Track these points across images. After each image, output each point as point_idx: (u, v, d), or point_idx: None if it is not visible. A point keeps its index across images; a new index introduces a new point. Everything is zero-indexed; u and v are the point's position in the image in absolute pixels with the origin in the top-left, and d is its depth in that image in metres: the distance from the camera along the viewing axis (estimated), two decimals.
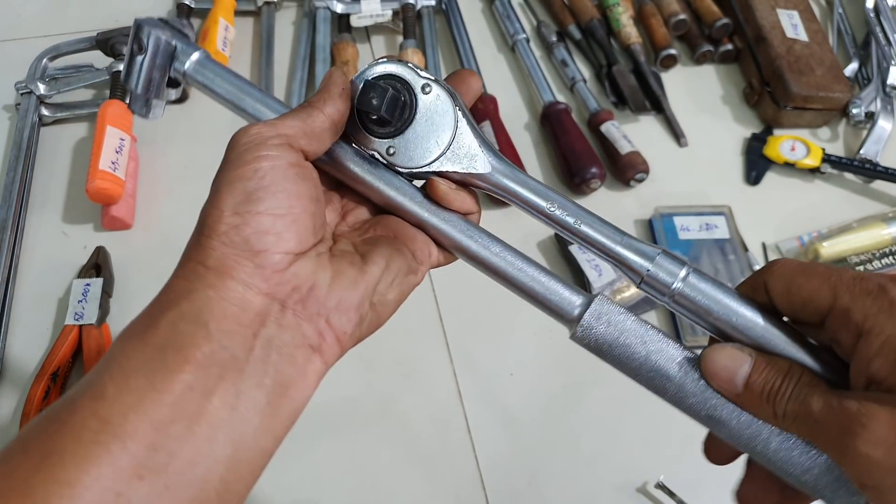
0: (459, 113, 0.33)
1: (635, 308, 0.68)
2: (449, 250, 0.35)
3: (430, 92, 0.33)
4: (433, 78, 0.33)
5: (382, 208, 0.35)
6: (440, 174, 0.34)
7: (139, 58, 0.34)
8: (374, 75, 0.33)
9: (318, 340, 0.30)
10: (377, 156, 0.34)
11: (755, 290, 0.32)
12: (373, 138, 0.33)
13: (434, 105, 0.33)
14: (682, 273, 0.32)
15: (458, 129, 0.33)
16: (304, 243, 0.30)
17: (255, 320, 0.28)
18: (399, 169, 0.34)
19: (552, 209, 0.34)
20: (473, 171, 0.34)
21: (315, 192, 0.31)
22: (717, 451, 0.33)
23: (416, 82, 0.33)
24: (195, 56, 0.34)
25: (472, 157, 0.34)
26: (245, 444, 0.27)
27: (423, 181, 0.35)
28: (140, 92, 0.35)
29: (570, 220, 0.34)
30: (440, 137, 0.33)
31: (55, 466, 0.24)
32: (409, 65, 0.33)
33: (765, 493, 0.32)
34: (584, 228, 0.34)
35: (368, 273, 0.31)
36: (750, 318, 0.31)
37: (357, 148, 0.34)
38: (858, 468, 0.26)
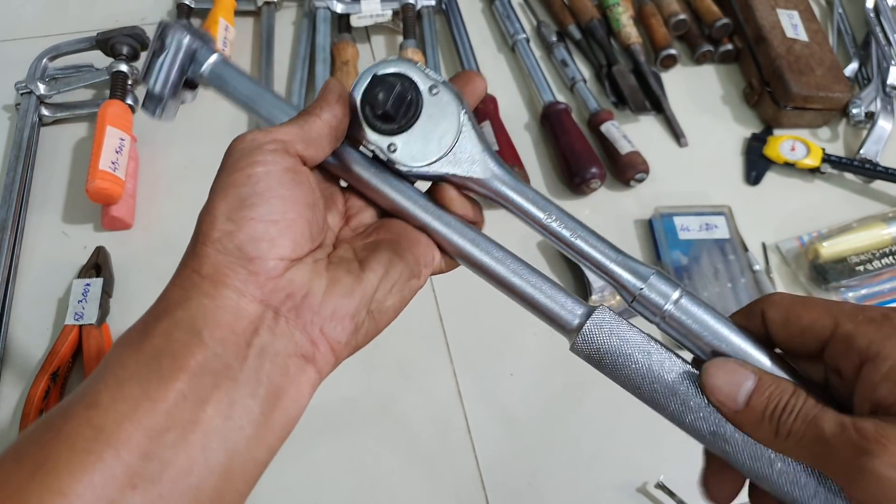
0: (465, 116, 0.33)
1: None
2: (451, 256, 0.35)
3: (436, 93, 0.33)
4: (441, 80, 0.33)
5: (387, 212, 0.35)
6: (440, 177, 0.34)
7: (160, 57, 0.35)
8: (383, 72, 0.33)
9: (312, 350, 0.30)
10: (377, 152, 0.33)
11: (749, 318, 0.32)
12: (375, 134, 0.33)
13: (440, 107, 0.33)
14: (675, 295, 0.32)
15: (462, 132, 0.33)
16: (300, 249, 0.30)
17: (249, 328, 0.28)
18: (399, 167, 0.33)
19: (549, 220, 0.34)
20: (474, 176, 0.34)
21: (311, 198, 0.31)
22: (718, 486, 0.33)
23: (424, 83, 0.33)
24: (213, 59, 0.35)
25: (473, 161, 0.33)
26: (239, 453, 0.27)
27: (430, 184, 0.35)
28: (157, 91, 0.35)
29: (567, 233, 0.34)
30: (443, 139, 0.33)
31: (48, 475, 0.24)
32: (418, 65, 0.33)
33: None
34: (580, 243, 0.34)
35: (365, 281, 0.31)
36: (740, 346, 0.31)
37: (363, 153, 0.34)
38: (874, 490, 0.25)
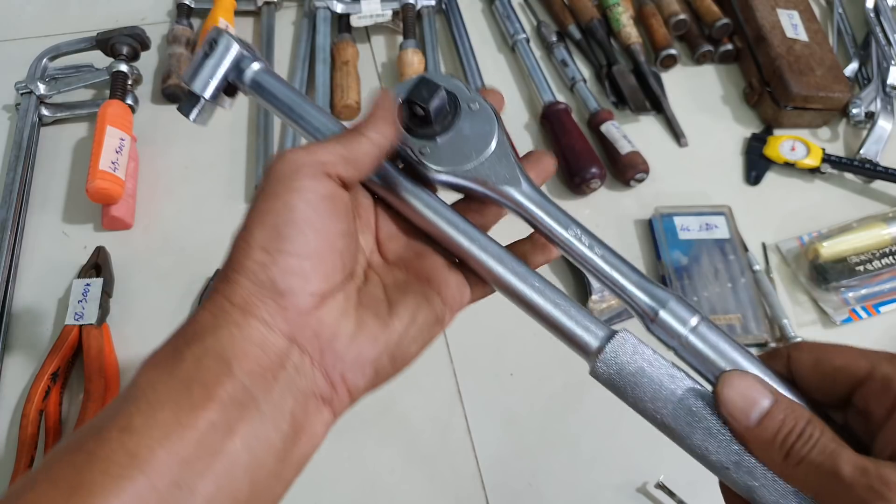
0: (499, 133, 0.34)
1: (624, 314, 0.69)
2: (488, 282, 0.35)
3: (476, 109, 0.35)
4: (482, 99, 0.35)
5: (418, 228, 0.36)
6: (467, 187, 0.34)
7: (208, 59, 0.35)
8: (431, 79, 0.34)
9: (330, 393, 0.30)
10: (408, 152, 0.34)
11: (774, 360, 0.31)
12: (408, 136, 0.34)
13: (476, 121, 0.34)
14: (694, 321, 0.32)
15: (495, 147, 0.34)
16: (331, 281, 0.30)
17: (275, 363, 0.29)
18: (428, 171, 0.34)
19: (571, 239, 0.34)
20: (501, 188, 0.34)
21: (346, 226, 0.31)
22: None
23: (466, 98, 0.35)
24: (257, 66, 0.36)
25: (503, 175, 0.34)
26: (261, 484, 0.28)
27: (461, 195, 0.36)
28: (200, 91, 0.36)
29: (587, 252, 0.34)
30: (475, 150, 0.34)
31: (84, 499, 0.24)
32: (464, 84, 0.35)
33: None
34: (599, 262, 0.34)
35: (391, 328, 0.31)
36: (760, 376, 0.31)
37: (403, 171, 0.35)
38: None
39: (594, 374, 0.32)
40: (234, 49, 0.36)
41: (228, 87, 0.36)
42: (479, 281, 0.36)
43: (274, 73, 0.36)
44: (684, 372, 0.31)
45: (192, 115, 0.36)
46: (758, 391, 0.29)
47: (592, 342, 0.32)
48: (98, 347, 0.62)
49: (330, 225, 0.30)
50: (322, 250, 0.30)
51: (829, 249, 0.72)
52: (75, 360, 0.63)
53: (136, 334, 0.66)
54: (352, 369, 0.30)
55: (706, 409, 0.30)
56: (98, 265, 0.68)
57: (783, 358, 0.31)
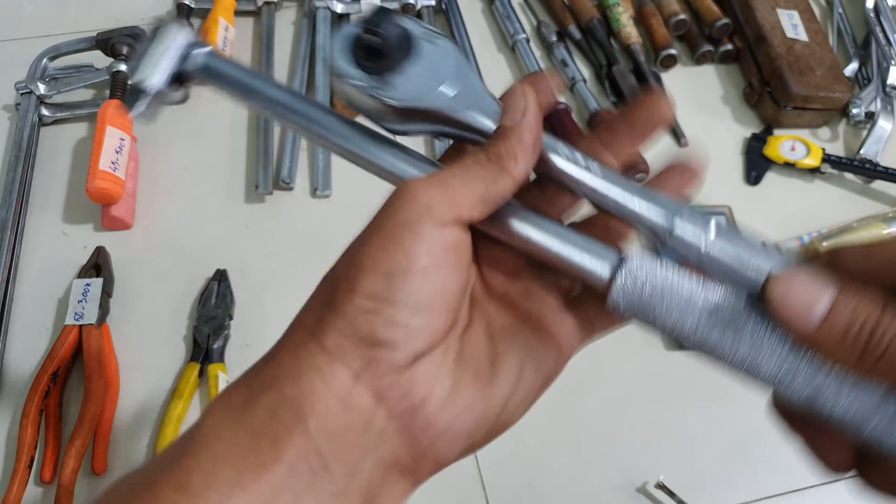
0: (465, 64, 0.30)
1: None
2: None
3: (436, 42, 0.30)
4: (441, 33, 0.31)
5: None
6: (426, 130, 0.31)
7: (151, 48, 0.33)
8: (387, 9, 0.30)
9: (413, 463, 0.27)
10: (360, 90, 0.30)
11: (811, 263, 0.27)
12: (362, 73, 0.30)
13: (438, 54, 0.30)
14: (713, 228, 0.28)
15: (468, 81, 0.30)
16: (435, 340, 0.27)
17: (358, 425, 0.25)
18: (391, 102, 0.29)
19: (557, 157, 0.30)
20: (468, 118, 0.30)
21: (465, 278, 0.28)
22: (835, 452, 0.27)
23: (422, 31, 0.31)
24: (206, 50, 0.33)
25: (470, 104, 0.30)
26: None
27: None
28: (141, 84, 0.32)
29: (584, 174, 0.30)
30: (444, 84, 0.30)
31: None
32: (420, 21, 0.31)
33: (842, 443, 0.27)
34: (600, 182, 0.30)
35: (492, 393, 0.28)
36: None
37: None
38: None
39: (612, 304, 0.28)
40: (180, 35, 0.33)
41: (177, 78, 0.33)
42: (599, 315, 0.31)
43: (226, 56, 0.33)
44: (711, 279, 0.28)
45: (137, 111, 0.33)
46: (816, 287, 0.24)
47: (603, 271, 0.28)
48: (98, 347, 0.62)
49: (449, 279, 0.26)
50: (435, 305, 0.26)
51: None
52: (75, 360, 0.63)
53: (136, 334, 0.66)
54: (442, 439, 0.26)
55: (752, 316, 0.26)
56: (98, 265, 0.68)
57: (822, 260, 0.27)
